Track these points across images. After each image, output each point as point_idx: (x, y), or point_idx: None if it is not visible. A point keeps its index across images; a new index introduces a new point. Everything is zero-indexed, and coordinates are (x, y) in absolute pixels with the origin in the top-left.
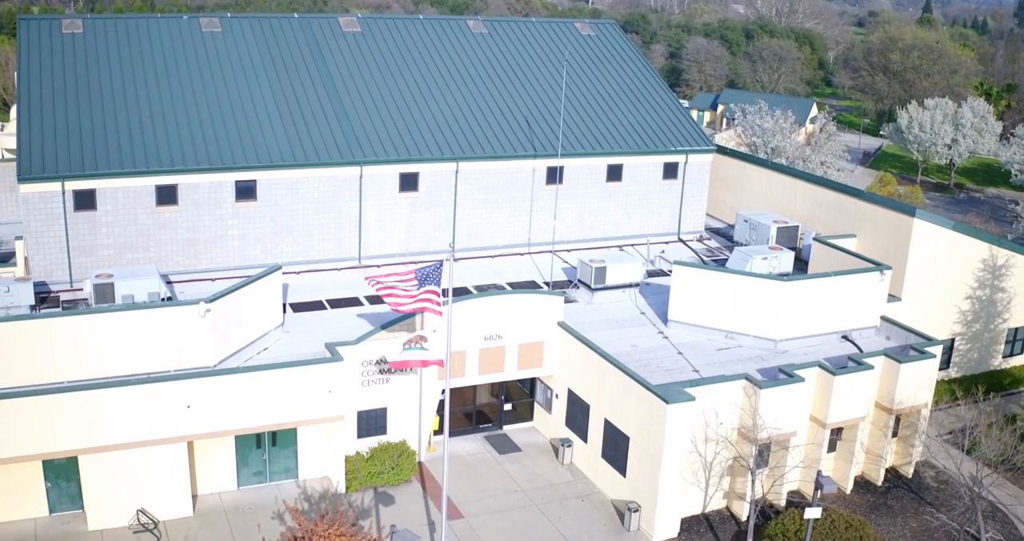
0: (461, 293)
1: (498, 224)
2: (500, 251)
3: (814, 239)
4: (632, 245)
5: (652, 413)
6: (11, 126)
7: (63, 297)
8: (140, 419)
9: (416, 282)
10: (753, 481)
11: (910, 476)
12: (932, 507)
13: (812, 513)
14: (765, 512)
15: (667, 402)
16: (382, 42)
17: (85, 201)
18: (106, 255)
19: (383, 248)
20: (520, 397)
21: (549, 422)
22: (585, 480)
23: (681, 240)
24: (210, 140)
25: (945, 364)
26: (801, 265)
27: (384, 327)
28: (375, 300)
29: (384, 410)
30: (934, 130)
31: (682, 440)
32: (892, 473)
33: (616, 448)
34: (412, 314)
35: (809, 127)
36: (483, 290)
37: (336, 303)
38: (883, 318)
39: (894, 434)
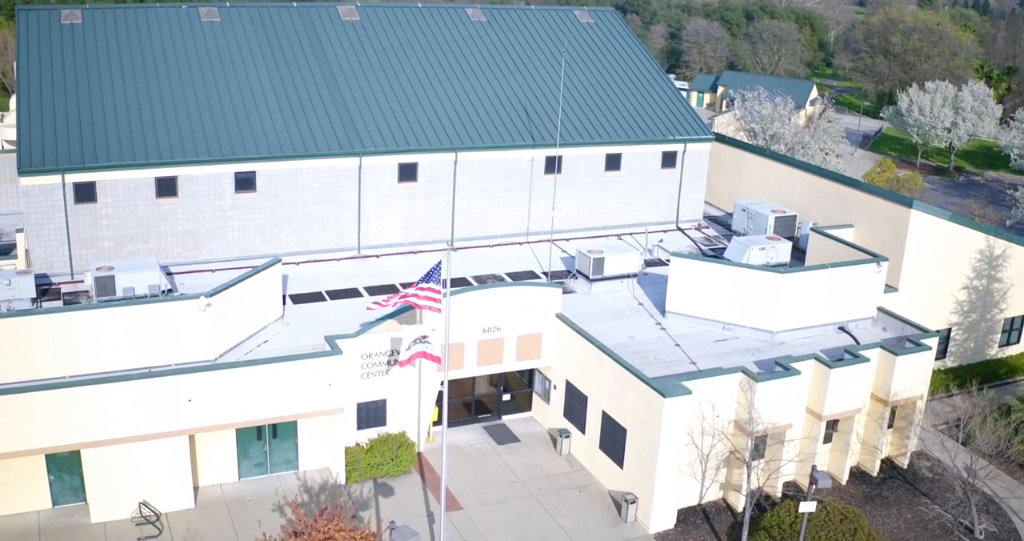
0: (460, 284)
1: (497, 214)
2: (499, 241)
3: (811, 229)
4: (631, 234)
5: (649, 406)
6: (10, 117)
7: (64, 289)
8: (141, 413)
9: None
10: (749, 474)
11: (905, 467)
12: (927, 498)
13: (807, 507)
14: (761, 504)
15: (664, 396)
16: (381, 31)
17: (85, 193)
18: (107, 247)
19: (382, 238)
20: (519, 387)
21: (547, 413)
22: (583, 471)
23: (679, 229)
24: (209, 132)
25: (942, 353)
26: (799, 255)
27: (383, 320)
28: (374, 291)
29: (384, 402)
30: (934, 113)
31: (679, 433)
32: (888, 463)
33: (613, 440)
34: (411, 308)
35: (809, 109)
36: (482, 280)
37: (335, 294)
38: (880, 309)
39: (889, 425)
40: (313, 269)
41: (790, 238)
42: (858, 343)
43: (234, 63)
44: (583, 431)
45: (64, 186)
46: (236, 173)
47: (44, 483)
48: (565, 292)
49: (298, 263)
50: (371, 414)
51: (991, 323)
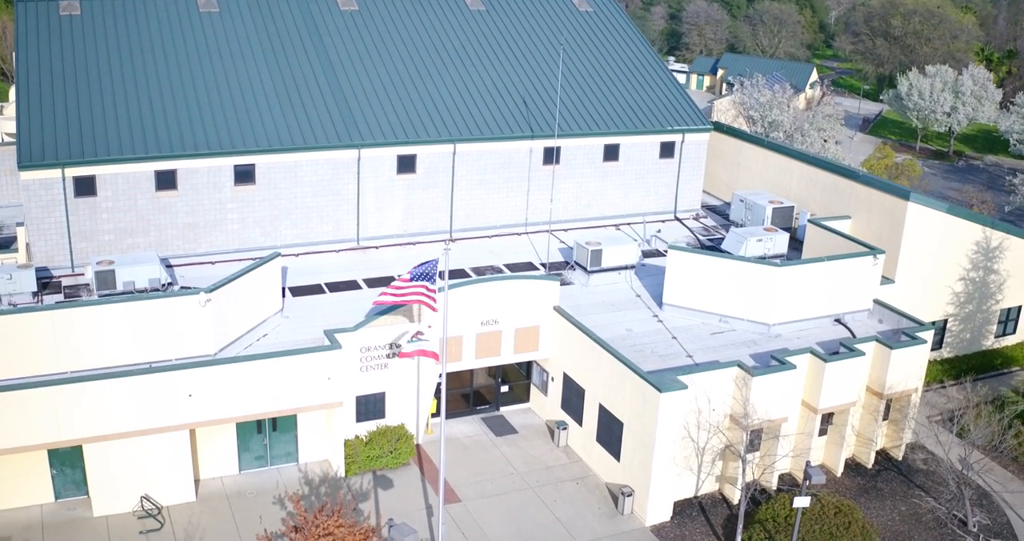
0: (458, 275)
1: (495, 205)
2: (497, 231)
3: (809, 221)
4: (629, 224)
5: (645, 400)
6: (10, 108)
7: (65, 283)
8: (142, 408)
9: (410, 280)
10: (744, 467)
11: (900, 459)
12: (922, 490)
13: (801, 502)
14: (756, 498)
15: (660, 390)
16: (379, 20)
17: (85, 187)
18: (107, 240)
19: (381, 230)
20: (517, 378)
21: (545, 404)
22: (580, 463)
23: (677, 219)
24: (208, 125)
25: (938, 344)
26: (796, 245)
27: (381, 314)
28: (373, 284)
29: (382, 395)
30: (934, 98)
31: (675, 427)
32: (882, 455)
33: (610, 433)
34: (407, 304)
35: (809, 92)
36: (480, 271)
37: (335, 286)
38: (876, 301)
39: (885, 417)
40: (312, 261)
41: (788, 229)
42: (854, 336)
43: (232, 54)
44: (580, 423)
45: (64, 180)
46: (235, 166)
47: (47, 477)
48: (563, 284)
49: (297, 255)
50: (370, 407)
51: (987, 314)
